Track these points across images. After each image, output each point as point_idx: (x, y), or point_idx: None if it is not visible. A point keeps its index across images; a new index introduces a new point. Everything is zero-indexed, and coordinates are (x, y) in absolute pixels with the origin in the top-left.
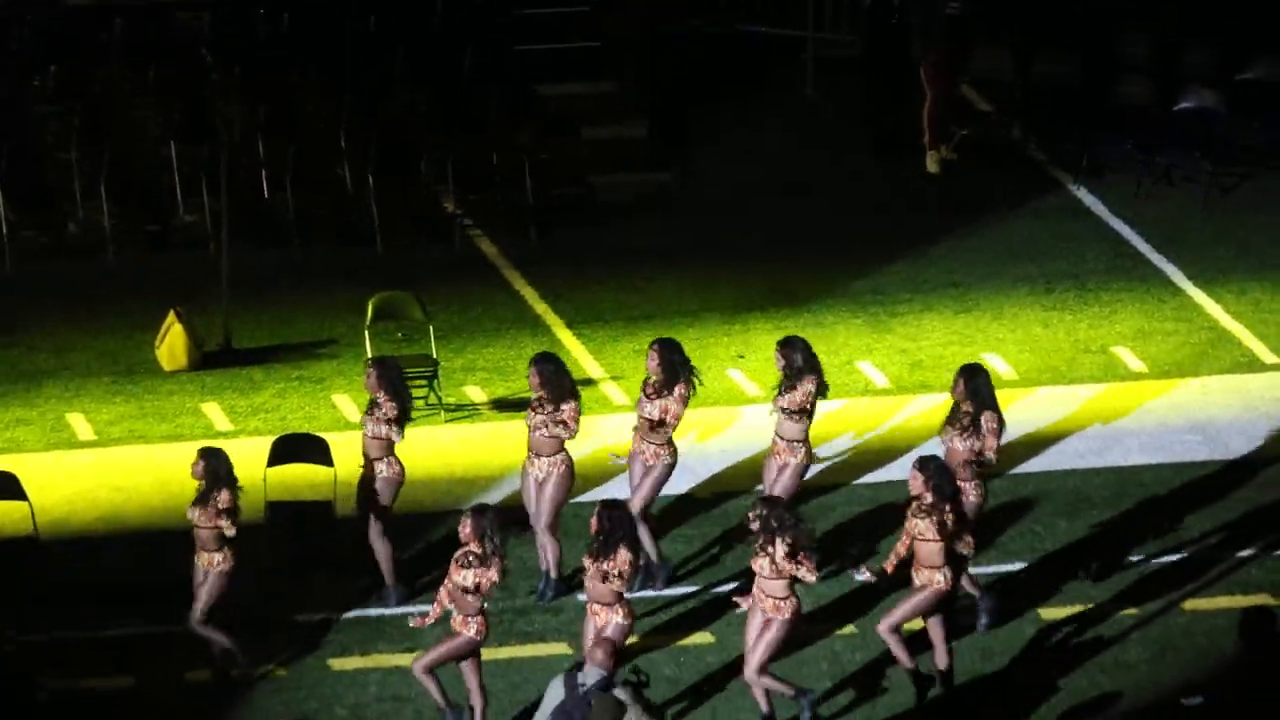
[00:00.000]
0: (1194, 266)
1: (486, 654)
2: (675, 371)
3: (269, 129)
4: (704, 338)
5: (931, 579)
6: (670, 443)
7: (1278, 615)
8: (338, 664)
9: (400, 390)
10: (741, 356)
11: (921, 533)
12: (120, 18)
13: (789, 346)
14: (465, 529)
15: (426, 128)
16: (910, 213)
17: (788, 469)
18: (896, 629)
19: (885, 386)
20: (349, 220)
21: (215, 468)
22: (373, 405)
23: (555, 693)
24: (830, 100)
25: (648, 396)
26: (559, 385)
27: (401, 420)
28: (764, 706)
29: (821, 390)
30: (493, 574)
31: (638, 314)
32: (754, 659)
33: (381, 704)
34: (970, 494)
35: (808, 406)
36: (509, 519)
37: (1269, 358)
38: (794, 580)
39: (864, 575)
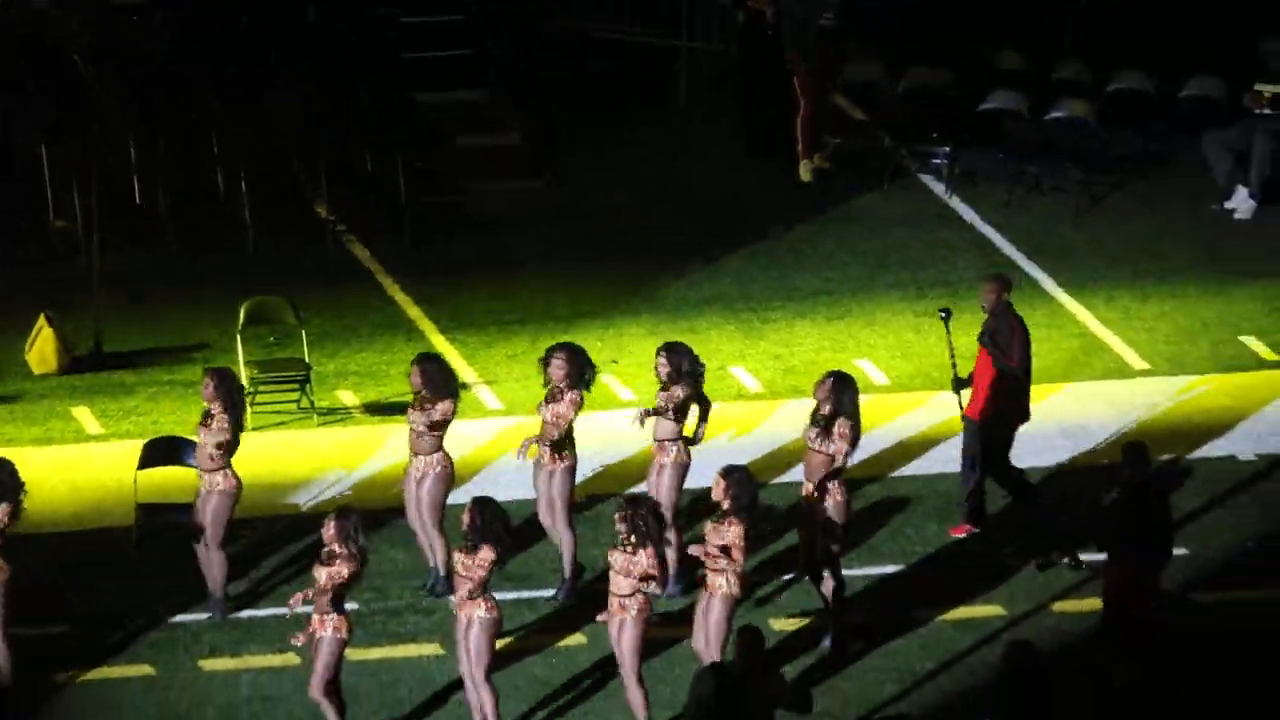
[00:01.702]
0: (1064, 274)
1: (357, 654)
2: (580, 377)
3: (141, 130)
4: (577, 343)
5: (716, 583)
6: (569, 446)
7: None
8: (209, 664)
9: (237, 403)
10: (615, 361)
11: (711, 539)
12: None
13: (673, 352)
14: (329, 531)
15: (301, 132)
16: (783, 220)
17: (665, 469)
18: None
19: (758, 391)
20: (221, 223)
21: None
22: (206, 416)
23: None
24: (703, 108)
25: (545, 403)
26: (442, 384)
27: (235, 435)
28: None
29: (700, 402)
30: (343, 570)
31: (511, 319)
32: (622, 666)
33: (252, 704)
34: (836, 494)
35: (678, 407)
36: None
37: (1138, 364)
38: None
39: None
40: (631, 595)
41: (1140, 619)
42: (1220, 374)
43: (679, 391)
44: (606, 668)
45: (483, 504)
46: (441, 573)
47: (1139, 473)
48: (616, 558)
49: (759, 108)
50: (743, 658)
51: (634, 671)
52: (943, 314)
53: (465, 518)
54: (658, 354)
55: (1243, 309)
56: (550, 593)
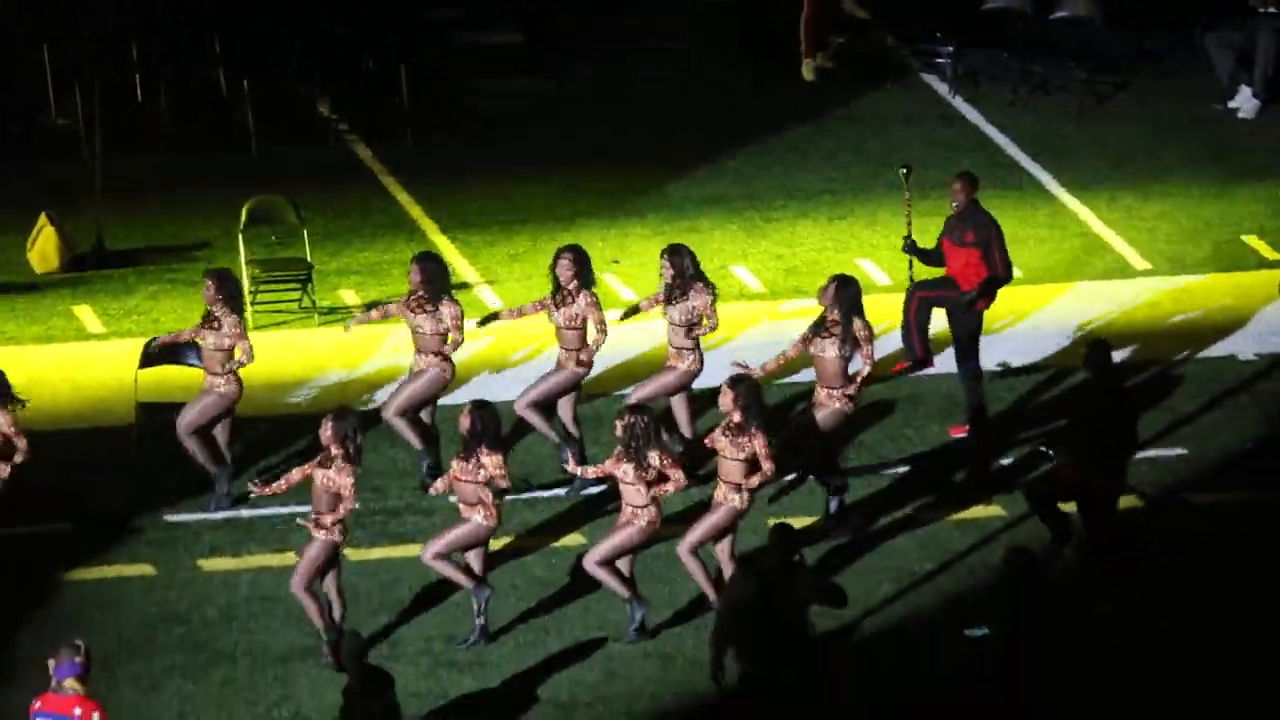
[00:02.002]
0: (1067, 174)
1: (357, 554)
2: (588, 278)
3: (140, 31)
4: (579, 243)
5: (727, 497)
6: (584, 348)
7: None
8: (208, 564)
9: (239, 305)
10: (616, 261)
11: (723, 451)
12: None
13: (676, 254)
14: (326, 432)
15: (301, 30)
16: (786, 120)
17: (673, 373)
18: (695, 549)
19: (760, 291)
20: (223, 124)
21: None
22: (208, 317)
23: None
24: (710, 8)
25: (556, 305)
26: (439, 285)
27: (244, 335)
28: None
29: (713, 294)
30: (346, 480)
31: (512, 219)
32: (598, 549)
33: (251, 604)
34: (836, 401)
35: (704, 315)
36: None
37: (1140, 264)
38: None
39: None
40: (645, 506)
41: (1124, 546)
42: (1222, 273)
43: (695, 300)
44: None
45: (481, 407)
46: (426, 463)
47: (1100, 372)
48: (624, 468)
49: (763, 16)
50: (777, 555)
51: (600, 559)
52: (904, 170)
53: (464, 421)
54: (661, 256)
55: (1245, 209)
56: (552, 493)
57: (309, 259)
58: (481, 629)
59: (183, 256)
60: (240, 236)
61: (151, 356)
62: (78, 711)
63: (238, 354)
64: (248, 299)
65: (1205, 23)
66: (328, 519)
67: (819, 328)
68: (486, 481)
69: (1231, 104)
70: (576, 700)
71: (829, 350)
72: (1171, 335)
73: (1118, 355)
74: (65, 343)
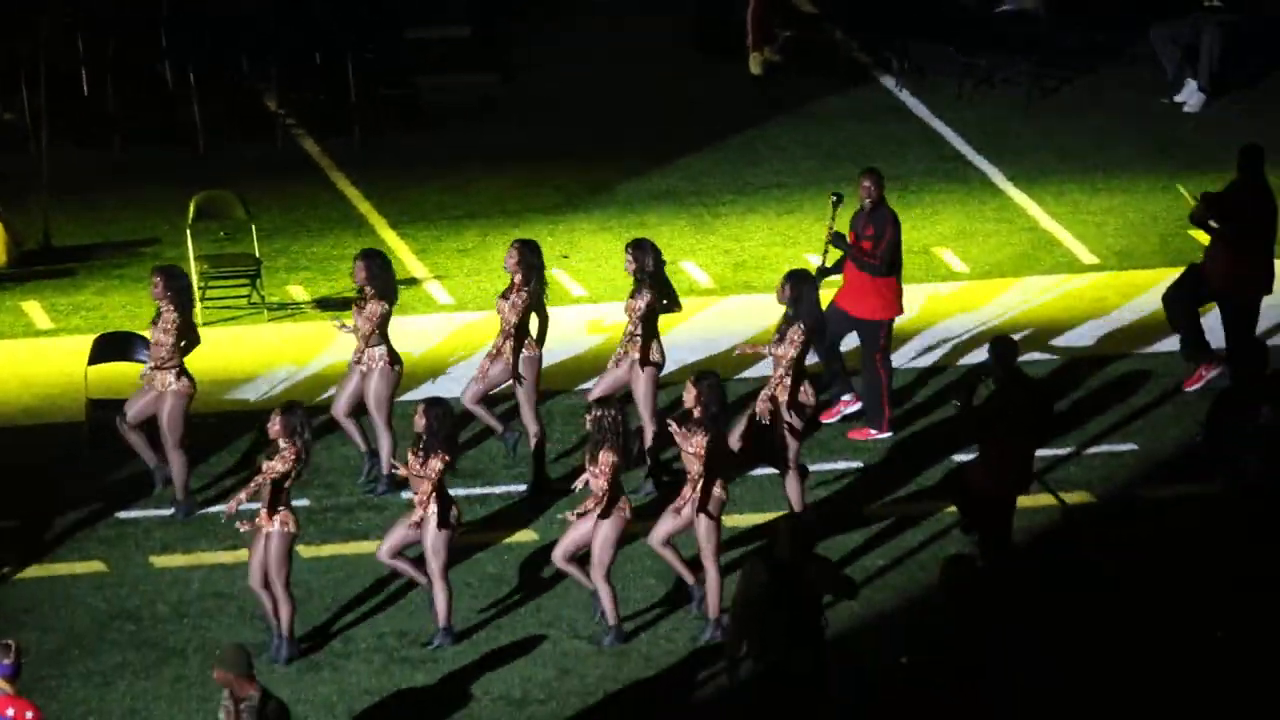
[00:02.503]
0: (1014, 168)
1: (309, 551)
2: (530, 272)
3: (89, 24)
4: (528, 238)
5: (685, 494)
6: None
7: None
8: (160, 561)
9: (187, 300)
10: (565, 257)
11: (688, 446)
12: None
13: (639, 249)
14: (274, 426)
15: (250, 23)
16: (734, 114)
17: (628, 367)
18: (667, 540)
19: (709, 286)
20: (171, 118)
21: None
22: (158, 316)
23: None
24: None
25: (503, 296)
26: (385, 282)
27: (186, 330)
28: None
29: (668, 302)
30: (280, 465)
31: (461, 214)
32: (594, 561)
33: (204, 601)
34: (807, 396)
35: (649, 313)
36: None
37: (1088, 258)
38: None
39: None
40: (606, 495)
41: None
42: (1169, 268)
43: (642, 301)
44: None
45: (435, 406)
46: (384, 470)
47: (1006, 367)
48: (589, 458)
49: (713, 8)
50: (790, 545)
51: (603, 569)
52: (834, 198)
53: (418, 420)
54: (626, 250)
55: (1192, 203)
56: (501, 489)
57: (257, 254)
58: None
59: (131, 252)
60: (188, 232)
61: (101, 352)
62: (10, 712)
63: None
64: (197, 294)
65: (1151, 17)
66: (280, 511)
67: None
68: (434, 480)
69: (1178, 98)
70: (529, 697)
71: (775, 349)
72: (1121, 329)
73: (1062, 350)
74: (14, 339)
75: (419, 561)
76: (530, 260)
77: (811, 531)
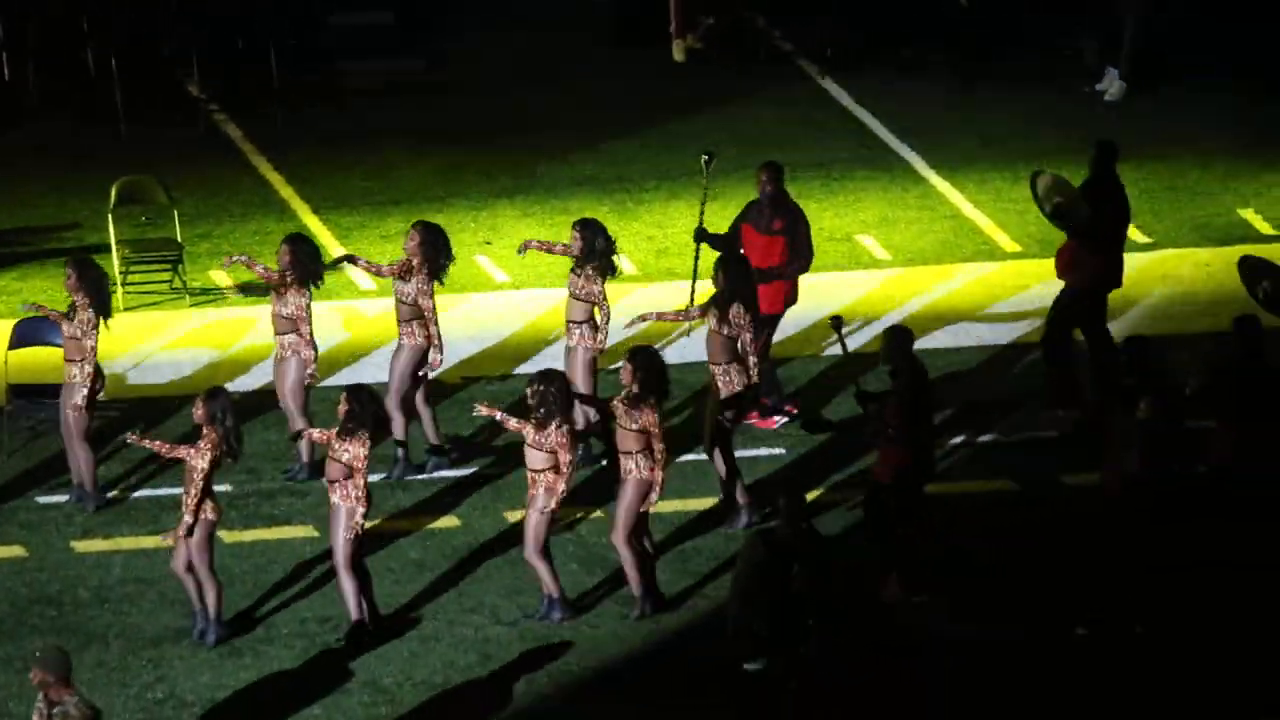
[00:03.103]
0: (936, 156)
1: (231, 536)
2: (434, 256)
3: (12, 8)
4: (451, 224)
5: (626, 467)
6: (422, 325)
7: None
8: (81, 546)
9: (102, 293)
10: (488, 243)
11: (620, 420)
12: None
13: (587, 228)
14: (198, 411)
15: (172, 7)
16: (657, 101)
17: (575, 352)
18: (629, 540)
19: (633, 273)
20: (92, 101)
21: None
22: (72, 309)
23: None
24: None
25: (401, 278)
26: (307, 268)
27: (99, 318)
28: (549, 586)
29: (610, 273)
30: (201, 462)
31: (385, 199)
32: (525, 541)
33: (125, 586)
34: (734, 377)
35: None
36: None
37: (1010, 246)
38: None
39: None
40: (543, 471)
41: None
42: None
43: (595, 283)
44: (482, 550)
45: (357, 392)
46: (304, 459)
47: (903, 357)
48: (529, 433)
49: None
50: (789, 521)
51: (537, 544)
52: (705, 157)
53: (341, 406)
54: (572, 228)
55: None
56: (425, 475)
57: (179, 239)
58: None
59: (51, 236)
60: (110, 216)
61: (20, 337)
62: None
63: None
64: (117, 279)
65: (1073, 4)
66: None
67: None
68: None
69: (1099, 86)
70: (450, 683)
71: (715, 325)
72: (1042, 317)
73: (985, 339)
74: None
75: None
76: (433, 241)
77: (805, 505)
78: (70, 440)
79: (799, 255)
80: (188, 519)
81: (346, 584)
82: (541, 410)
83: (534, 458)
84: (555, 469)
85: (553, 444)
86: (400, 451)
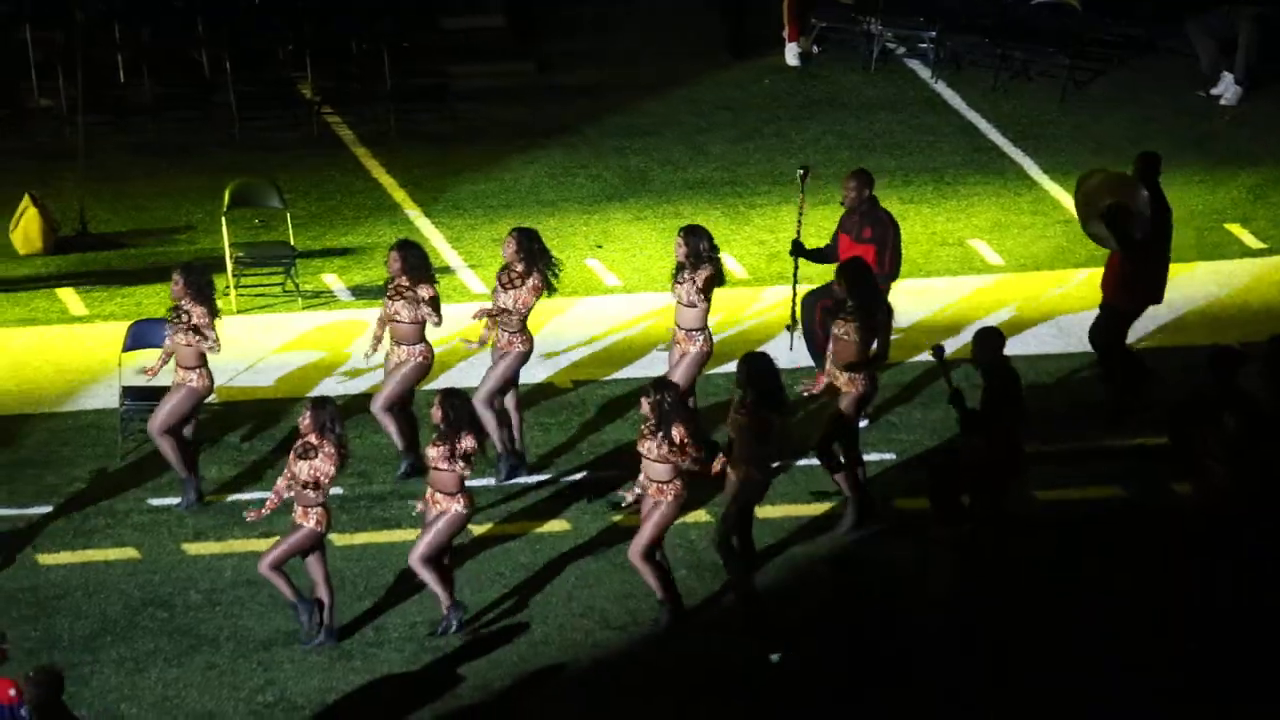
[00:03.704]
0: (1050, 160)
1: (342, 539)
2: (532, 260)
3: (124, 13)
4: (562, 228)
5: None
6: (523, 331)
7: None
8: (193, 549)
9: (208, 297)
10: (600, 246)
11: (739, 429)
12: None
13: (693, 235)
14: (305, 421)
15: (284, 12)
16: (769, 105)
17: (686, 358)
18: (648, 554)
19: (744, 278)
20: (206, 105)
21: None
22: (178, 312)
23: None
24: None
25: (503, 285)
26: (421, 272)
27: (211, 326)
28: (655, 587)
29: (719, 280)
30: (329, 468)
31: (496, 203)
32: (637, 541)
33: (236, 589)
34: (857, 385)
35: (705, 294)
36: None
37: None
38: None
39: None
40: (670, 481)
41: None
42: (1205, 260)
43: (700, 275)
44: (591, 555)
45: (451, 397)
46: (405, 456)
47: (995, 358)
48: (648, 445)
49: (738, 6)
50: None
51: (643, 549)
52: (801, 172)
53: (435, 412)
54: (677, 236)
55: (1227, 196)
56: (538, 478)
57: (292, 242)
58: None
59: (166, 239)
60: (223, 219)
61: (135, 340)
62: (12, 693)
63: (207, 349)
64: (230, 282)
65: (1187, 9)
66: (311, 507)
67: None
68: (461, 469)
69: (1214, 91)
70: (561, 686)
71: (850, 333)
72: (1156, 322)
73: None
74: (48, 325)
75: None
76: (530, 248)
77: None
78: (155, 433)
79: (881, 265)
80: (310, 523)
81: (429, 575)
82: (660, 420)
83: (651, 468)
84: (672, 478)
85: (665, 453)
86: (501, 454)
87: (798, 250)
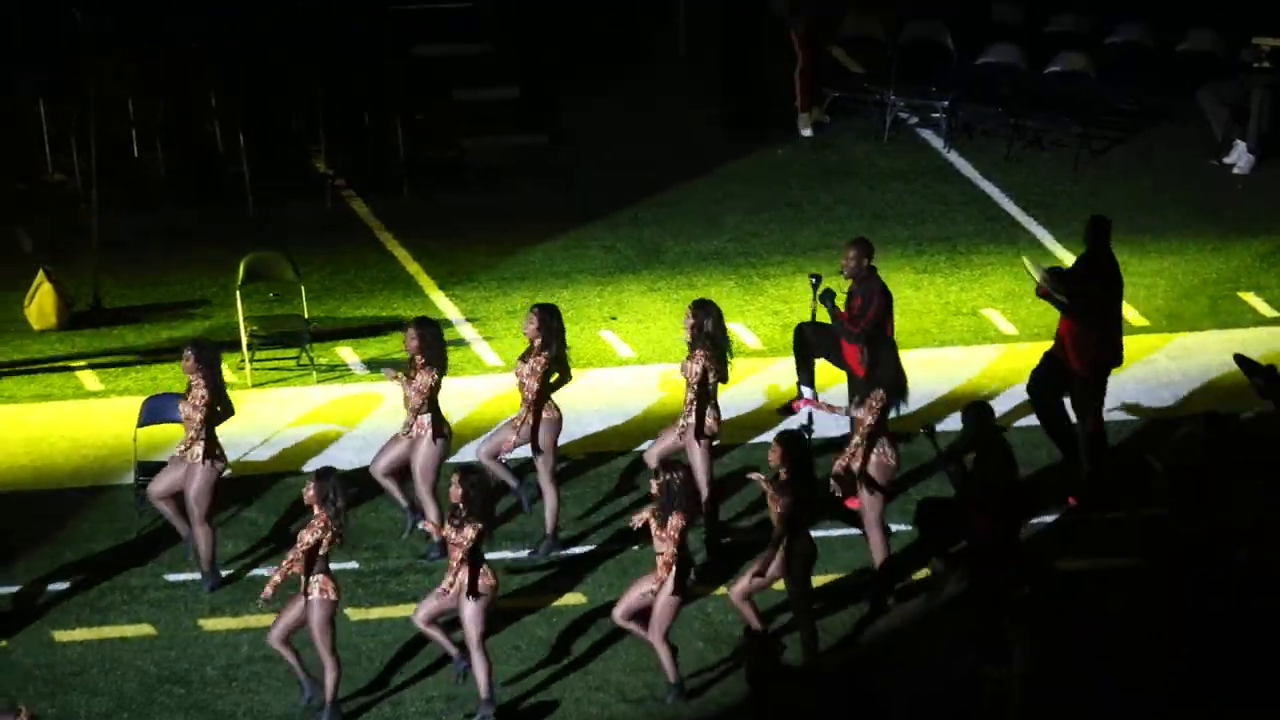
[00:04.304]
0: (1063, 229)
1: (357, 614)
2: (549, 336)
3: (139, 87)
4: (576, 299)
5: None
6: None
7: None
8: (209, 624)
9: (217, 377)
10: (614, 318)
11: (776, 504)
12: None
13: (701, 310)
14: (309, 492)
15: (297, 86)
16: (781, 175)
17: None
18: (748, 596)
19: (757, 348)
20: (220, 179)
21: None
22: (189, 389)
23: None
24: (702, 61)
25: (523, 360)
26: (436, 351)
27: (215, 405)
28: (668, 671)
29: (724, 358)
30: (319, 534)
31: (510, 275)
32: (656, 623)
33: (253, 664)
34: (888, 457)
35: (702, 377)
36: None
37: (1136, 320)
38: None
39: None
40: (676, 559)
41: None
42: (1219, 329)
43: (696, 364)
44: (607, 628)
45: (468, 473)
46: (435, 539)
47: (984, 429)
48: (653, 523)
49: (738, 84)
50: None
51: (663, 630)
52: (813, 279)
53: (453, 490)
54: (688, 310)
55: (1241, 264)
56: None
57: (306, 316)
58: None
59: (180, 314)
60: (238, 293)
61: (149, 415)
62: None
63: (220, 417)
64: (246, 356)
65: (1199, 78)
66: (317, 577)
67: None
68: (470, 547)
69: (1227, 159)
70: None
71: (856, 412)
72: (1170, 390)
73: (1110, 413)
74: (63, 401)
75: (452, 629)
76: (550, 325)
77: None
78: (192, 522)
79: (854, 320)
80: (273, 585)
81: (480, 663)
82: (665, 499)
83: (663, 545)
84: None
85: (673, 530)
86: (549, 528)
87: (827, 297)
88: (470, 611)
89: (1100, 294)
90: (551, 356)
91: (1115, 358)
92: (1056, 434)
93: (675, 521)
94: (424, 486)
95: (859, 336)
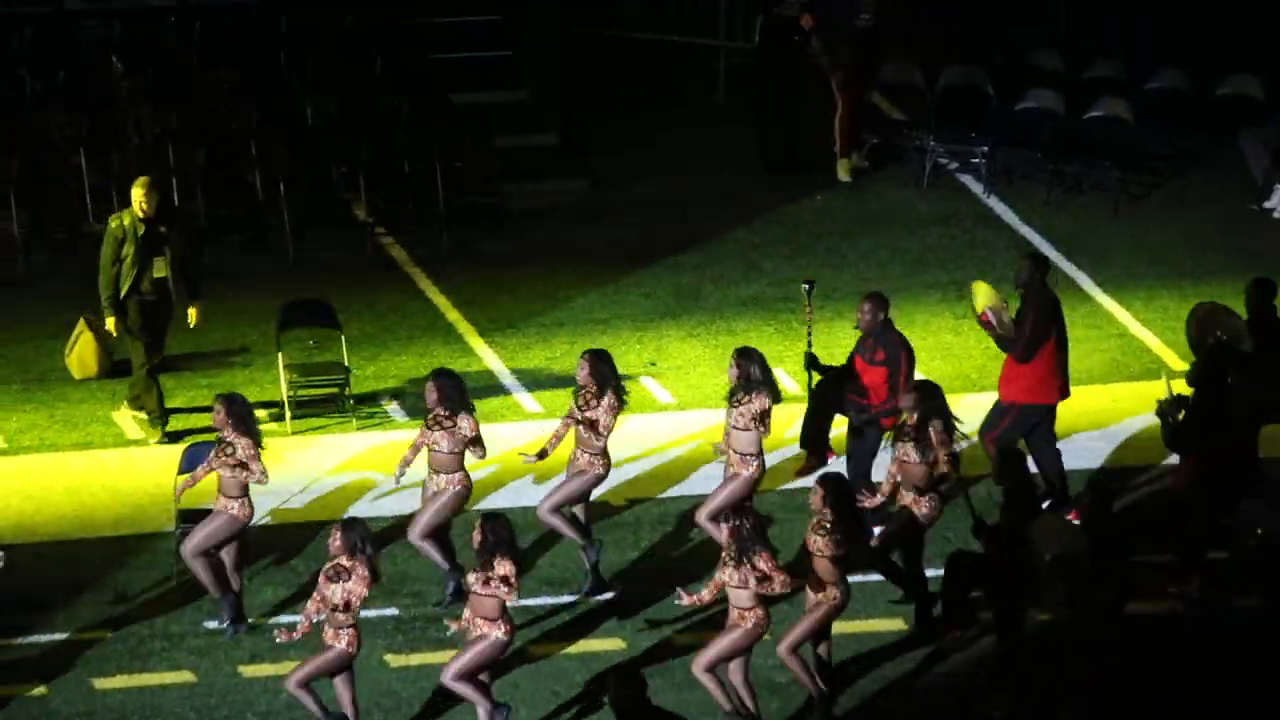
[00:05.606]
0: (1103, 274)
1: (397, 660)
2: (604, 382)
3: (179, 136)
4: (616, 345)
5: (826, 596)
6: (604, 454)
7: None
8: (249, 671)
9: (251, 427)
10: (653, 364)
11: (820, 549)
12: (29, 26)
13: (745, 358)
14: (335, 542)
15: (338, 133)
16: (821, 220)
17: (738, 479)
18: (795, 649)
19: (798, 394)
20: (260, 227)
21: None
22: (221, 444)
23: None
24: (742, 108)
25: (579, 407)
26: (458, 400)
27: (257, 458)
28: (717, 698)
29: (774, 401)
30: (361, 589)
31: (550, 321)
32: (703, 655)
33: (293, 711)
34: (923, 506)
35: (761, 420)
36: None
37: (1178, 365)
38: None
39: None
40: (751, 609)
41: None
42: None
43: (756, 404)
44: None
45: (490, 520)
46: (450, 585)
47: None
48: (730, 573)
49: (776, 123)
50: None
51: (707, 663)
52: (806, 285)
53: (475, 535)
54: (730, 357)
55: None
56: (594, 597)
57: (346, 363)
58: None
59: (220, 362)
60: (278, 340)
61: (189, 462)
62: None
63: (254, 483)
64: (286, 403)
65: (1239, 122)
66: (342, 629)
67: (900, 432)
68: (503, 593)
69: (1267, 204)
70: None
71: (911, 454)
72: None
73: (1150, 458)
74: (104, 449)
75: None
76: (603, 370)
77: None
78: (186, 553)
79: (895, 388)
80: (342, 645)
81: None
82: (739, 547)
83: (738, 596)
84: (754, 605)
85: (747, 578)
86: (588, 568)
87: (811, 363)
88: (480, 649)
89: (1031, 329)
90: (613, 403)
91: (1056, 395)
92: (1054, 472)
93: (760, 563)
94: (431, 525)
95: (896, 410)
